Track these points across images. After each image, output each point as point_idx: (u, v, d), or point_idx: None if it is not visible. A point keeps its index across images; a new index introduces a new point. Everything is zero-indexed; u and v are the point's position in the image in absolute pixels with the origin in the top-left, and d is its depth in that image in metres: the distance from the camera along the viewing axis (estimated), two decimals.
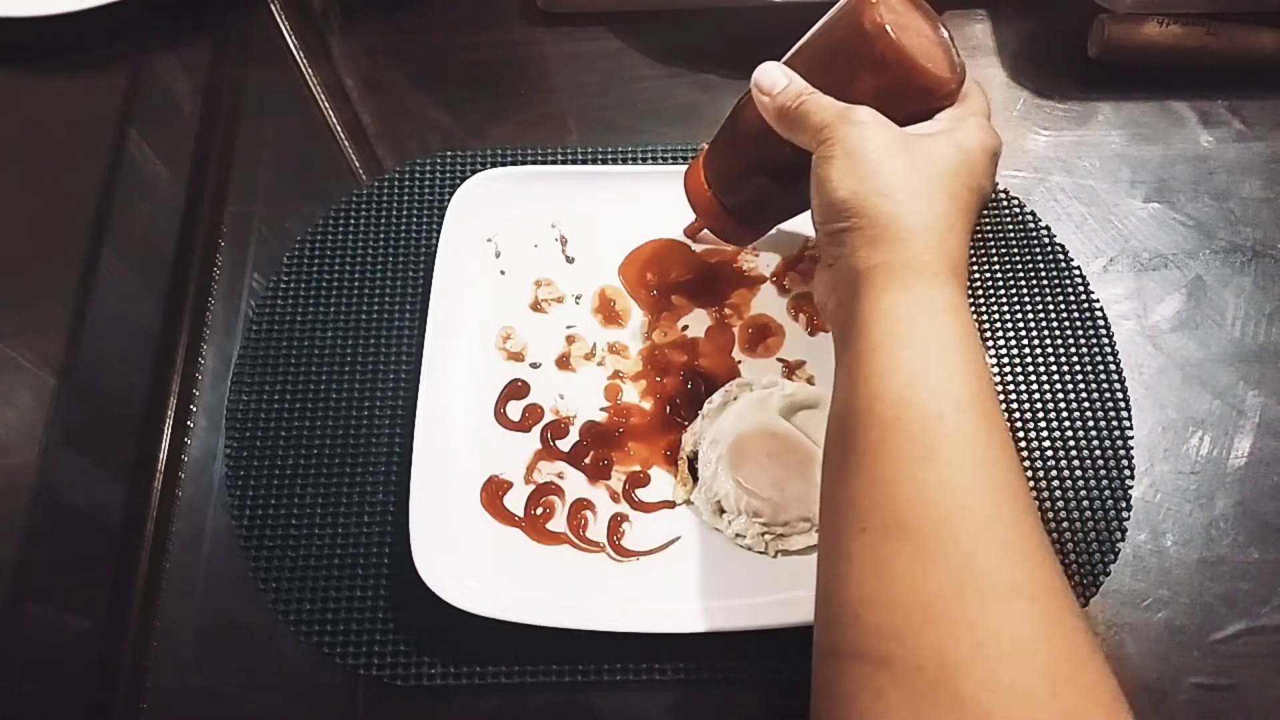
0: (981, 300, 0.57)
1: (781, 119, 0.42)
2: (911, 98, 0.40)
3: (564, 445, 0.53)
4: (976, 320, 0.53)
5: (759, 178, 0.48)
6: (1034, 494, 0.50)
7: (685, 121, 0.64)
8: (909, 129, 0.40)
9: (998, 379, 0.54)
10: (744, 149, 0.48)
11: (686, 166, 0.52)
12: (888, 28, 0.39)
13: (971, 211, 0.40)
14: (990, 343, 0.55)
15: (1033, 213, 0.59)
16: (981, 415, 0.34)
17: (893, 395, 0.35)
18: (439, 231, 0.56)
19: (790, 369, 0.55)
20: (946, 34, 0.43)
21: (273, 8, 0.70)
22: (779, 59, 0.44)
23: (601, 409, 0.54)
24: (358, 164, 0.64)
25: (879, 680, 0.30)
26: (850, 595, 0.33)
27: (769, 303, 0.57)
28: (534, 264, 0.58)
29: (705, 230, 0.54)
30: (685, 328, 0.56)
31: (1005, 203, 0.60)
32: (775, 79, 0.42)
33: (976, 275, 0.58)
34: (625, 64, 0.67)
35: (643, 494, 0.51)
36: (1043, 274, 0.57)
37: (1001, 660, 0.29)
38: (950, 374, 0.35)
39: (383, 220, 0.60)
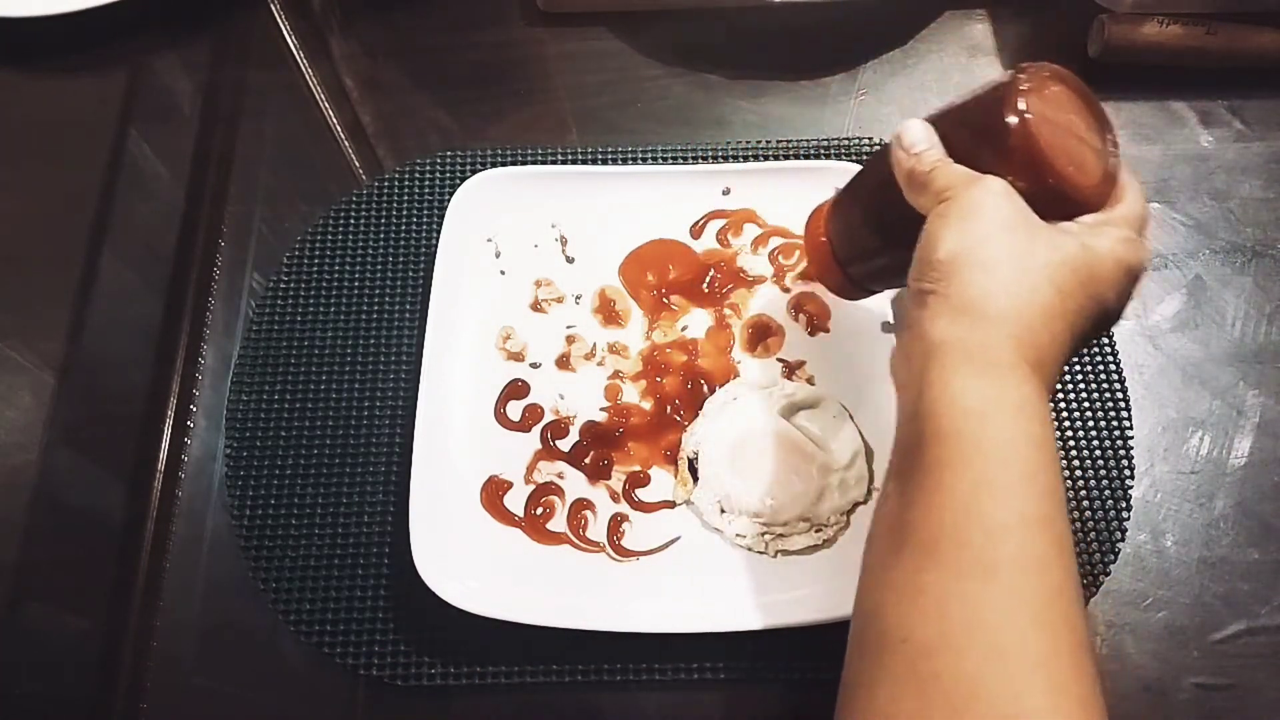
0: None
1: (910, 180, 0.39)
2: (1044, 198, 0.37)
3: (564, 445, 0.53)
4: None
5: (873, 234, 0.45)
6: None
7: (685, 121, 0.64)
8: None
9: None
10: (864, 203, 0.46)
11: (813, 209, 0.50)
12: (1029, 118, 0.36)
13: (1081, 316, 0.36)
14: None
15: None
16: (1048, 536, 0.32)
17: (955, 498, 0.32)
18: (439, 231, 0.56)
19: (790, 369, 0.55)
20: (1111, 138, 0.39)
21: (273, 8, 0.70)
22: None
23: (601, 409, 0.54)
24: (358, 164, 0.64)
25: None
26: (881, 707, 0.31)
27: (769, 303, 0.57)
28: (534, 264, 0.58)
29: (819, 281, 0.52)
30: (685, 328, 0.56)
31: None
32: (917, 138, 0.40)
33: None
34: (625, 64, 0.67)
35: (643, 494, 0.51)
36: None
37: None
38: (1019, 485, 0.32)
39: (383, 220, 0.60)
